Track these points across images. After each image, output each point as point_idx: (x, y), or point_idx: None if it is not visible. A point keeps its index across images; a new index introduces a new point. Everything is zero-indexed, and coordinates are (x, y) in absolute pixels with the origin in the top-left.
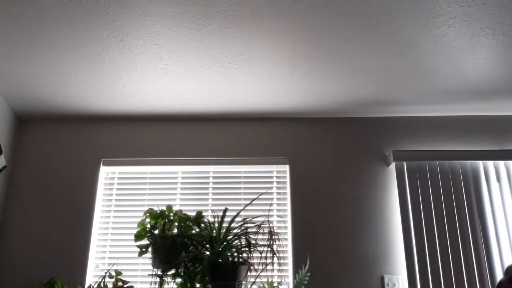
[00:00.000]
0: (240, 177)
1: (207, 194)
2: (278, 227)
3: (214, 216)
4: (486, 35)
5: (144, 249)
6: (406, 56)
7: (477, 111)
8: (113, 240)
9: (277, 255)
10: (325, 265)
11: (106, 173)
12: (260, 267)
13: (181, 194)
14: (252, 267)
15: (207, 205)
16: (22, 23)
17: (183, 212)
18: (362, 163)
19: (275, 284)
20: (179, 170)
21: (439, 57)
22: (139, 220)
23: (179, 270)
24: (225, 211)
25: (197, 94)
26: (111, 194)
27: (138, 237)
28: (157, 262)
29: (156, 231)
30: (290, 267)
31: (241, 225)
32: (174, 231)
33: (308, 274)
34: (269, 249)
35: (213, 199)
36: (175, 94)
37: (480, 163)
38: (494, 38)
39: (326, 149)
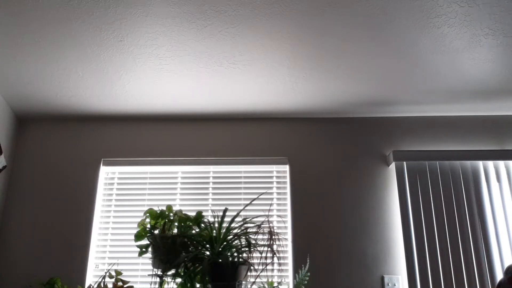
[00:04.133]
0: (240, 177)
1: (207, 194)
2: (278, 227)
3: (214, 216)
4: (486, 35)
5: (144, 249)
6: (406, 56)
7: (477, 111)
8: (113, 240)
9: (277, 255)
10: (325, 265)
11: (106, 173)
12: (260, 267)
13: (181, 194)
14: (252, 267)
15: (207, 205)
16: (22, 23)
17: (183, 212)
18: (362, 163)
19: (275, 284)
20: (179, 170)
21: (439, 57)
22: (139, 220)
23: (179, 270)
24: (225, 211)
25: (197, 94)
26: (111, 194)
27: (138, 237)
28: (157, 262)
29: (156, 231)
30: (290, 267)
31: (241, 225)
32: (174, 231)
33: (308, 274)
34: (269, 249)
35: (213, 199)
36: (175, 94)
37: (480, 163)
38: (494, 38)
39: (326, 149)
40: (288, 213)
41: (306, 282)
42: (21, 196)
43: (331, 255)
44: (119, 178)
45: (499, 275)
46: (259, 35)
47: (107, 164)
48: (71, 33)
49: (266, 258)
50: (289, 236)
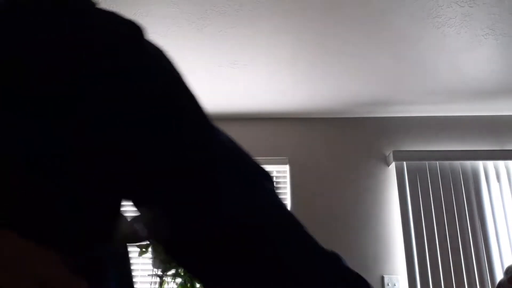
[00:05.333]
0: None
1: None
2: None
3: None
4: (486, 35)
5: (144, 249)
6: (406, 56)
7: (477, 111)
8: None
9: None
10: None
11: None
12: None
13: None
14: None
15: None
16: None
17: None
18: (362, 163)
19: None
20: None
21: (439, 57)
22: None
23: (179, 270)
24: None
25: (197, 94)
26: None
27: None
28: (157, 262)
29: None
30: None
31: None
32: None
33: None
34: None
35: None
36: None
37: (480, 163)
38: (494, 38)
39: (326, 149)
40: None
41: None
42: None
43: None
44: None
45: (499, 275)
46: (259, 35)
47: None
48: None
49: None
50: None
